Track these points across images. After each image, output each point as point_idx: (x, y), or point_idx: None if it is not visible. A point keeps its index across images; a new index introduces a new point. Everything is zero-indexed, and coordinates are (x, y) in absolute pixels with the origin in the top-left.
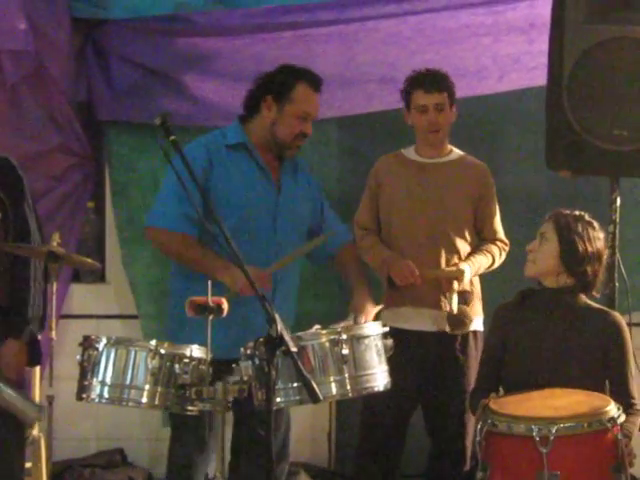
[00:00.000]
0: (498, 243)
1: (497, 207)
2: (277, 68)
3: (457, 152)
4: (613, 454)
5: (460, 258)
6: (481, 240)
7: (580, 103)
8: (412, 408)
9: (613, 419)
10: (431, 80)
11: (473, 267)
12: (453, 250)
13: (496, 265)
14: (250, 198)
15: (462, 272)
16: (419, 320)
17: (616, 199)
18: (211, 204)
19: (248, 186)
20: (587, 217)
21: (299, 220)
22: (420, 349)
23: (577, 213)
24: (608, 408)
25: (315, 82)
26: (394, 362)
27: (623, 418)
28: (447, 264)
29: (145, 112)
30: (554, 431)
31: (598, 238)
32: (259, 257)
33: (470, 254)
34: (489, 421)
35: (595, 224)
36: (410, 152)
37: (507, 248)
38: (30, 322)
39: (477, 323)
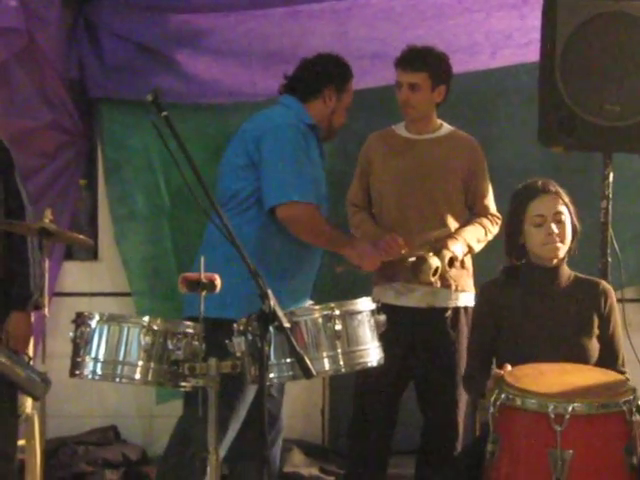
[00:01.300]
0: (489, 217)
1: (489, 182)
2: (329, 57)
3: (447, 127)
4: (626, 435)
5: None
6: (473, 215)
7: (573, 79)
8: (404, 384)
9: (629, 401)
10: (409, 59)
11: (462, 240)
12: (444, 226)
13: (490, 237)
14: (324, 186)
15: (449, 230)
16: (410, 296)
17: (609, 175)
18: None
19: (321, 173)
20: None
21: None
22: (411, 325)
23: (554, 183)
24: (625, 389)
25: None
26: (385, 338)
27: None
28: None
29: (137, 89)
30: (570, 410)
31: None
32: None
33: (459, 228)
34: (503, 394)
35: None
36: (400, 128)
37: (499, 221)
38: (33, 293)
39: (468, 299)
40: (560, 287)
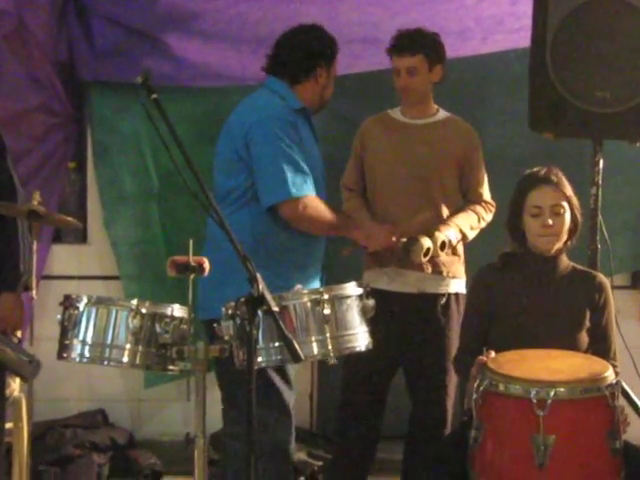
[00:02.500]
0: (483, 204)
1: (484, 169)
2: (312, 32)
3: (443, 113)
4: (609, 420)
5: (444, 220)
6: (466, 202)
7: (563, 65)
8: (393, 370)
9: (611, 386)
10: (403, 43)
11: (455, 226)
12: (438, 212)
13: (483, 224)
14: (320, 166)
15: (430, 214)
16: (401, 281)
17: (599, 161)
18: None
19: (316, 153)
20: (563, 175)
21: None
22: (402, 310)
23: (560, 174)
24: (607, 374)
25: None
26: (376, 323)
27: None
28: (431, 226)
29: (127, 72)
30: (552, 395)
31: None
32: None
33: (452, 214)
34: (486, 381)
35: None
36: (396, 113)
37: (493, 209)
38: (23, 275)
39: (459, 285)
40: (556, 277)
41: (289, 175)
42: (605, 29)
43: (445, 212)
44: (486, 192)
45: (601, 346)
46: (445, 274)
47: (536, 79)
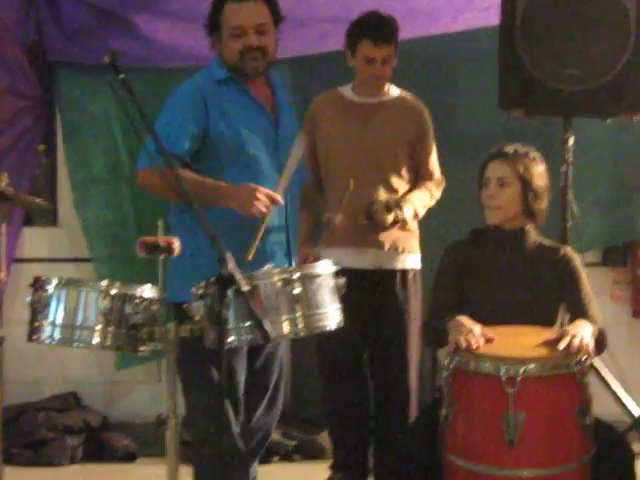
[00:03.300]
0: (434, 181)
1: (434, 146)
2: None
3: (395, 91)
4: (579, 396)
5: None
6: (417, 179)
7: (533, 43)
8: (362, 347)
9: (580, 362)
10: (381, 32)
11: (410, 204)
12: (391, 190)
13: (433, 202)
14: (251, 139)
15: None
16: (358, 259)
17: (569, 139)
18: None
19: (247, 125)
20: (532, 152)
21: None
22: (360, 287)
23: (524, 150)
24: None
25: None
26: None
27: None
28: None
29: (96, 53)
30: (521, 372)
31: (545, 171)
32: None
33: (406, 192)
34: (457, 358)
35: (538, 157)
36: (347, 90)
37: (443, 186)
38: None
39: (415, 261)
40: (523, 252)
41: (145, 147)
42: (574, 6)
43: (399, 188)
44: (437, 169)
45: (580, 312)
46: (401, 250)
47: (506, 57)
